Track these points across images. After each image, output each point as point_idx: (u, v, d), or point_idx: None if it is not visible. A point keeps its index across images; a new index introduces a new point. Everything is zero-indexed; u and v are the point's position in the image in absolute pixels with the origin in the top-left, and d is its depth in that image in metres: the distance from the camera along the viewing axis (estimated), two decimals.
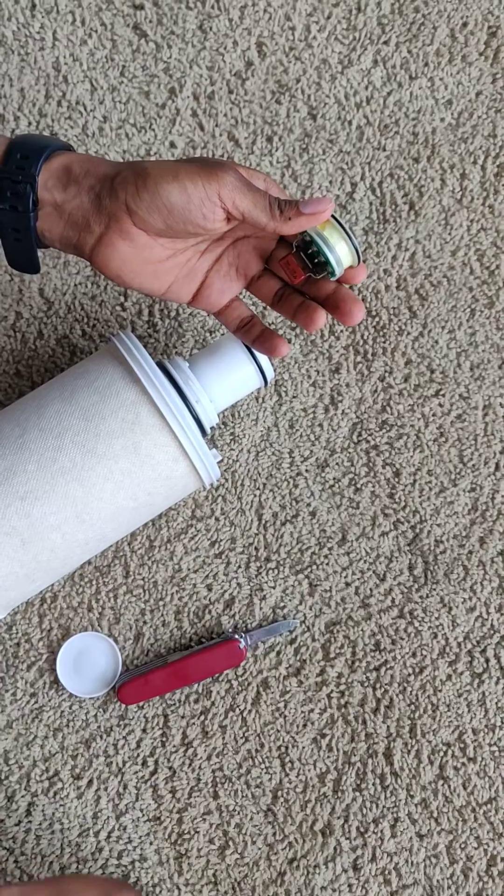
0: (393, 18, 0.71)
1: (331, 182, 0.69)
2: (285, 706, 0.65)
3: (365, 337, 0.68)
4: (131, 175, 0.48)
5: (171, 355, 0.65)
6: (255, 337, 0.54)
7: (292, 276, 0.51)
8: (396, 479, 0.67)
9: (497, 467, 0.67)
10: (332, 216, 0.50)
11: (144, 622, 0.65)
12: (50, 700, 0.64)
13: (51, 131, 0.69)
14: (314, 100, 0.70)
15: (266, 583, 0.66)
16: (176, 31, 0.70)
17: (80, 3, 0.70)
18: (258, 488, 0.66)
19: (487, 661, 0.65)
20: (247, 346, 0.57)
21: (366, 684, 0.65)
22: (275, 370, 0.67)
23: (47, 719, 0.64)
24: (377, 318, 0.68)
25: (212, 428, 0.62)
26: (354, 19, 0.71)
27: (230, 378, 0.58)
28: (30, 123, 0.69)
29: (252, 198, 0.48)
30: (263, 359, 0.58)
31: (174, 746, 0.64)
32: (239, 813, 0.63)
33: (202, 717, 0.64)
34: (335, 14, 0.71)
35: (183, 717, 0.64)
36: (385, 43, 0.71)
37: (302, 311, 0.51)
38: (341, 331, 0.68)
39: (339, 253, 0.50)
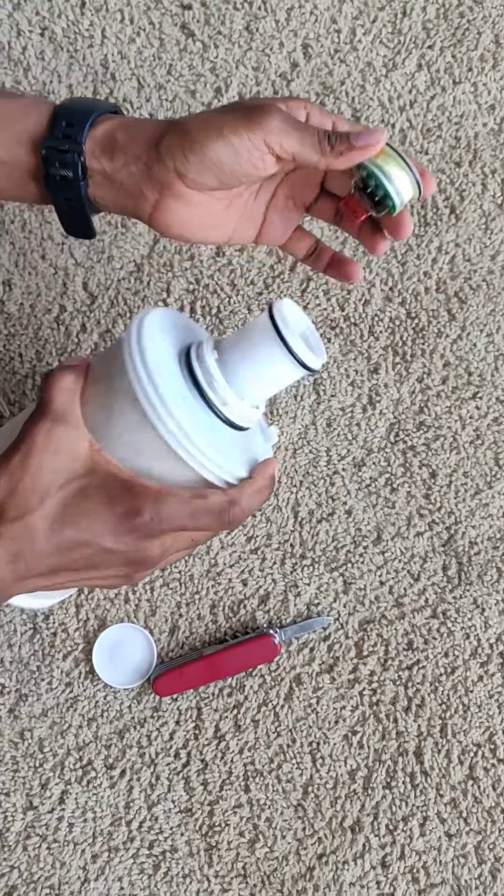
0: (438, 23, 0.72)
1: None
2: (317, 702, 0.65)
3: (404, 338, 0.69)
4: (176, 139, 0.47)
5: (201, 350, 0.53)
6: (327, 264, 0.53)
7: (353, 216, 0.49)
8: (432, 480, 0.67)
9: None
10: (388, 144, 0.47)
11: (180, 615, 0.65)
12: (85, 690, 0.64)
13: None
14: (358, 102, 0.71)
15: (301, 579, 0.66)
16: (223, 32, 0.71)
17: (129, 1, 0.71)
18: (295, 486, 0.67)
19: None
20: (282, 339, 0.46)
21: (398, 683, 0.65)
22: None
23: (82, 709, 0.64)
24: (416, 320, 0.69)
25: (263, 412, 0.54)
26: (400, 23, 0.71)
27: (264, 373, 0.48)
28: None
29: (300, 137, 0.47)
30: (314, 343, 0.48)
31: (207, 739, 0.64)
32: (269, 807, 0.64)
33: (235, 711, 0.65)
34: (381, 18, 0.72)
35: (216, 711, 0.65)
36: (429, 47, 0.71)
37: (364, 232, 0.51)
38: (380, 331, 0.69)
39: (399, 185, 0.47)
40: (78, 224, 0.52)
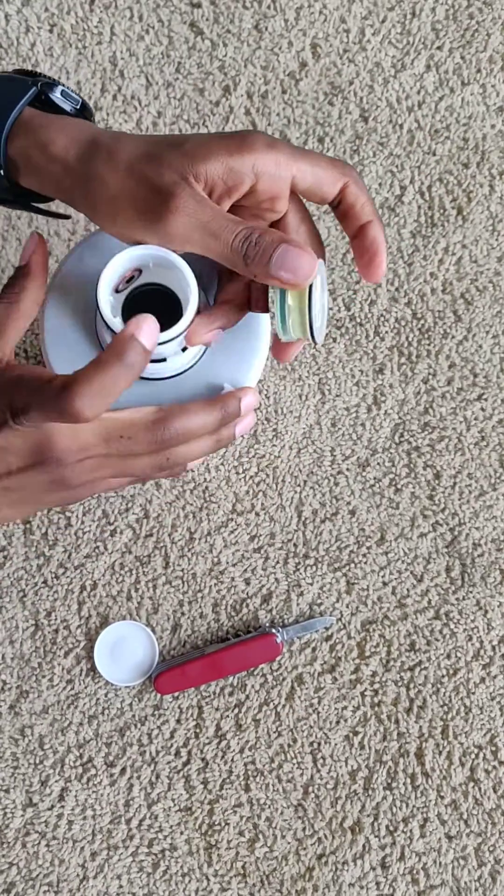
0: (447, 24, 0.72)
1: (380, 185, 0.70)
2: (319, 702, 0.65)
3: (409, 339, 0.69)
4: (80, 196, 0.45)
5: None
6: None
7: (257, 305, 0.48)
8: (437, 482, 0.67)
9: None
10: (310, 286, 0.44)
11: (182, 613, 0.65)
12: (86, 687, 0.64)
13: (105, 125, 0.70)
14: (366, 102, 0.71)
15: (304, 579, 0.66)
16: (232, 30, 0.71)
17: None
18: (299, 485, 0.67)
19: None
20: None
21: (400, 684, 0.65)
22: (319, 361, 0.68)
23: (83, 706, 0.64)
24: (422, 321, 0.69)
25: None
26: (409, 24, 0.71)
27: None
28: None
29: (205, 244, 0.43)
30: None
31: (208, 738, 0.64)
32: (269, 807, 0.64)
33: (236, 710, 0.64)
34: (390, 18, 0.72)
35: (217, 710, 0.64)
36: (438, 48, 0.71)
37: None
38: (386, 332, 0.69)
39: (290, 324, 0.45)
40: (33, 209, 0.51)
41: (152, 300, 0.48)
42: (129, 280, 0.48)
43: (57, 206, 0.52)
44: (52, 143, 0.46)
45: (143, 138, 0.45)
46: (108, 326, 0.45)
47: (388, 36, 0.71)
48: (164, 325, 0.45)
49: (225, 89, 0.70)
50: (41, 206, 0.52)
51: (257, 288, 0.48)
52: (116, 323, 0.46)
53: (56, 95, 0.48)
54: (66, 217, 0.53)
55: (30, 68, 0.69)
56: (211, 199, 0.44)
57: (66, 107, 0.49)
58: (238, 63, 0.71)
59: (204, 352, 0.51)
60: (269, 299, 0.45)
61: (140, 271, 0.48)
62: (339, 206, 0.47)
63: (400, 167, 0.70)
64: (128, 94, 0.70)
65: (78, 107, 0.49)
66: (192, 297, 0.46)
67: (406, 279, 0.69)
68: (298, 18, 0.71)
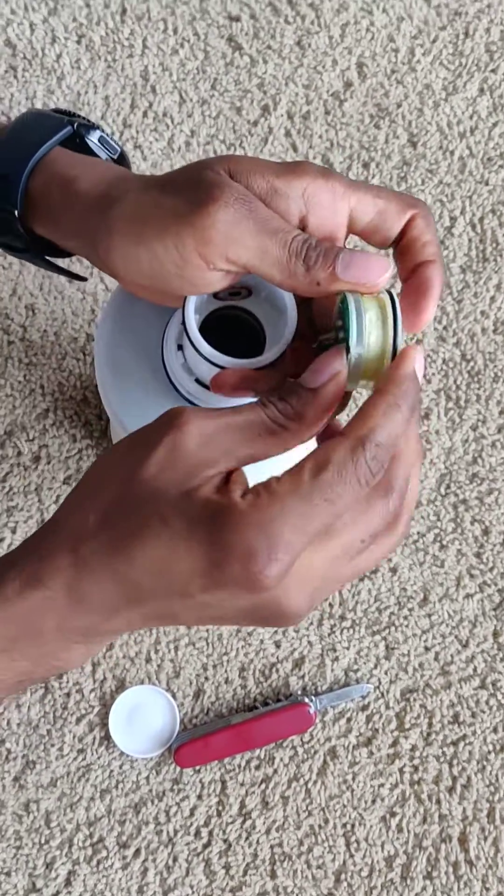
0: (502, 46, 0.67)
1: None
2: (353, 779, 0.59)
3: (458, 382, 0.63)
4: (104, 230, 0.37)
5: None
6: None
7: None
8: (485, 538, 0.62)
9: None
10: (388, 292, 0.35)
11: (206, 678, 0.60)
12: (99, 758, 0.58)
13: (135, 143, 0.65)
14: (415, 126, 0.66)
15: (339, 643, 0.60)
16: (273, 46, 0.66)
17: (174, 10, 0.66)
18: None
19: None
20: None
21: (442, 760, 0.60)
22: None
23: (95, 779, 0.58)
24: (472, 363, 0.64)
25: None
26: (461, 45, 0.67)
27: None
28: (112, 133, 0.64)
29: (258, 245, 0.34)
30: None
31: (231, 817, 0.58)
32: None
33: (263, 786, 0.59)
34: (441, 38, 0.67)
35: (242, 785, 0.59)
36: (493, 71, 0.67)
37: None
38: (433, 374, 0.63)
39: (368, 340, 0.34)
40: (47, 267, 0.46)
41: (225, 326, 0.41)
42: (235, 294, 0.40)
43: (73, 265, 0.46)
44: (77, 181, 0.39)
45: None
46: (198, 350, 0.37)
47: (439, 57, 0.67)
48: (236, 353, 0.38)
49: (264, 108, 0.65)
50: (56, 261, 0.46)
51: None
52: (209, 350, 0.37)
53: (92, 140, 0.43)
54: (83, 279, 0.48)
55: (54, 80, 0.64)
56: None
57: (102, 154, 0.43)
58: (278, 81, 0.66)
59: None
60: (335, 320, 0.36)
61: (249, 291, 0.40)
62: (401, 242, 0.39)
63: (450, 197, 0.65)
64: (159, 110, 0.65)
65: (115, 156, 0.44)
66: (288, 331, 0.38)
67: (455, 317, 0.64)
68: (344, 36, 0.66)
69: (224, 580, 0.30)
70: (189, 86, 0.65)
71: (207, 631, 0.60)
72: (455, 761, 0.60)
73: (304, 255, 0.34)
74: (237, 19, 0.66)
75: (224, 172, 0.35)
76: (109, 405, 0.44)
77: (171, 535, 0.31)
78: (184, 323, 0.38)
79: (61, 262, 0.47)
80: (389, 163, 0.65)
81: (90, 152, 0.43)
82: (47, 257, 0.45)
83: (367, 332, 0.34)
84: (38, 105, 0.64)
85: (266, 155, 0.65)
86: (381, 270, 0.35)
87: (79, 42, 0.65)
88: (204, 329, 0.39)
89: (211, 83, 0.66)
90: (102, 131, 0.43)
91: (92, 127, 0.43)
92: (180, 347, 0.41)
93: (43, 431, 0.61)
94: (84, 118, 0.44)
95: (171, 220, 0.34)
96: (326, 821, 0.59)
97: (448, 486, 0.62)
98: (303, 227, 0.37)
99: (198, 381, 0.40)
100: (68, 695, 0.59)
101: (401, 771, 0.59)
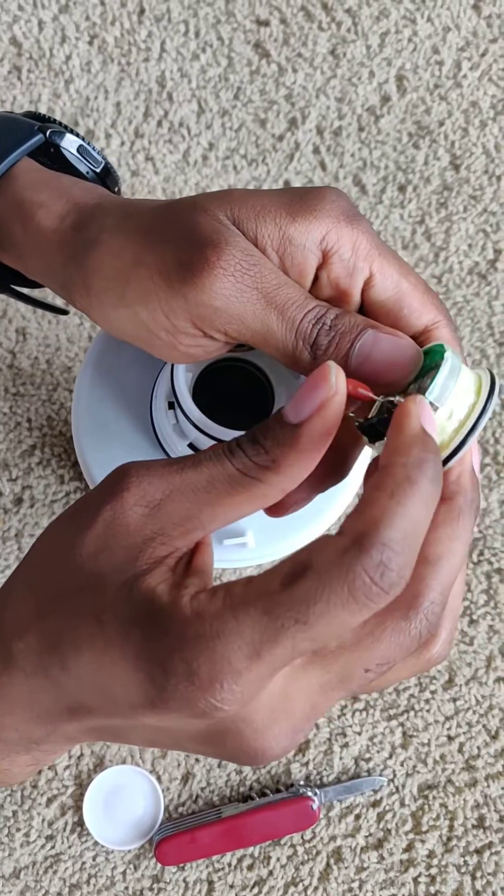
0: None
1: (470, 246, 0.58)
2: (360, 887, 0.51)
3: (496, 435, 0.56)
4: (79, 280, 0.31)
5: None
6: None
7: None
8: None
9: None
10: (489, 371, 0.28)
11: (196, 760, 0.52)
12: (70, 847, 0.51)
13: (146, 155, 0.58)
14: (458, 147, 0.59)
15: (350, 726, 0.53)
16: (304, 54, 0.60)
17: (196, 12, 0.60)
18: None
19: None
20: None
21: (463, 870, 0.52)
22: None
23: (64, 871, 0.51)
24: None
25: None
26: None
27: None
28: (122, 143, 0.58)
29: (262, 323, 0.28)
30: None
31: None
32: None
33: (256, 890, 0.51)
34: (491, 51, 0.60)
35: (232, 888, 0.51)
36: None
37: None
38: None
39: (456, 404, 0.27)
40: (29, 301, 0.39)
41: (223, 381, 0.35)
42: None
43: (54, 296, 0.39)
44: (42, 211, 0.32)
45: (169, 200, 0.32)
46: (190, 419, 0.32)
47: (487, 72, 0.60)
48: (242, 419, 0.32)
49: (291, 122, 0.59)
50: (27, 292, 0.39)
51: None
52: (203, 420, 0.31)
53: (68, 149, 0.36)
54: (65, 312, 0.41)
55: (62, 84, 0.58)
56: None
57: (81, 167, 0.36)
58: (308, 92, 0.59)
59: None
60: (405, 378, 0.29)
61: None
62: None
63: (495, 227, 0.58)
64: (175, 120, 0.59)
65: (98, 170, 0.37)
66: (300, 383, 0.32)
67: (496, 361, 0.57)
68: (383, 45, 0.60)
69: (166, 701, 0.23)
70: (209, 94, 0.59)
71: None
72: (479, 873, 0.52)
73: (314, 341, 0.28)
74: (266, 24, 0.60)
75: (225, 218, 0.29)
76: (86, 468, 0.37)
77: (105, 640, 0.24)
78: (173, 386, 0.31)
79: (37, 293, 0.40)
80: (428, 187, 0.59)
81: (69, 163, 0.36)
82: (14, 287, 0.38)
83: (452, 393, 0.26)
84: (43, 110, 0.59)
85: (291, 173, 0.58)
86: (410, 365, 0.28)
87: (91, 43, 0.59)
88: (200, 383, 0.33)
89: (233, 92, 0.59)
90: (83, 139, 0.36)
91: (68, 133, 0.36)
92: (171, 406, 0.34)
93: (28, 470, 0.54)
94: (60, 123, 0.37)
95: (158, 283, 0.29)
96: None
97: (481, 553, 0.55)
98: (315, 280, 0.30)
99: (191, 445, 0.34)
100: (39, 772, 0.52)
101: (415, 881, 0.52)
